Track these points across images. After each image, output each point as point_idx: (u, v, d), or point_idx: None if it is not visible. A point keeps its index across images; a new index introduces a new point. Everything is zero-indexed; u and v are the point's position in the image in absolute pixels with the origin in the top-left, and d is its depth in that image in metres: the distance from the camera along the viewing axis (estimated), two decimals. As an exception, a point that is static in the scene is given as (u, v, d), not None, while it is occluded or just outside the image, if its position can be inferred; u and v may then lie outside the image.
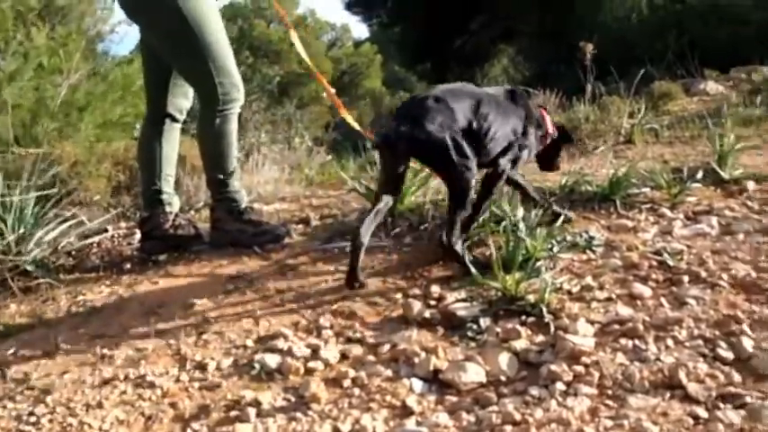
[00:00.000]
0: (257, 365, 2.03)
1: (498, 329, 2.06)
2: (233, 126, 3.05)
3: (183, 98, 3.15)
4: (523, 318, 2.12)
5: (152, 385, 1.99)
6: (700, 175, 3.34)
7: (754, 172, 3.46)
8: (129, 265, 3.11)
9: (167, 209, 3.13)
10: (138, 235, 3.33)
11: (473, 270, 2.39)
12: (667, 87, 6.71)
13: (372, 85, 27.31)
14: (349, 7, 17.25)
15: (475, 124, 2.56)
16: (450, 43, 15.62)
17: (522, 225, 2.59)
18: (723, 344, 1.85)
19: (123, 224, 3.96)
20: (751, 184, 3.23)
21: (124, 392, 1.97)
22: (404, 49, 16.45)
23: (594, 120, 5.44)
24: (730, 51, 9.13)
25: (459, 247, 2.49)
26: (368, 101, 25.83)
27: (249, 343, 2.20)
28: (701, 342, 1.88)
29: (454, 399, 1.79)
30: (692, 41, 9.07)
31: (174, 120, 3.16)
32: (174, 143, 3.17)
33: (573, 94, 6.09)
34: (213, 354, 2.15)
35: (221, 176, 3.08)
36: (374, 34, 18.38)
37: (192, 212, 3.92)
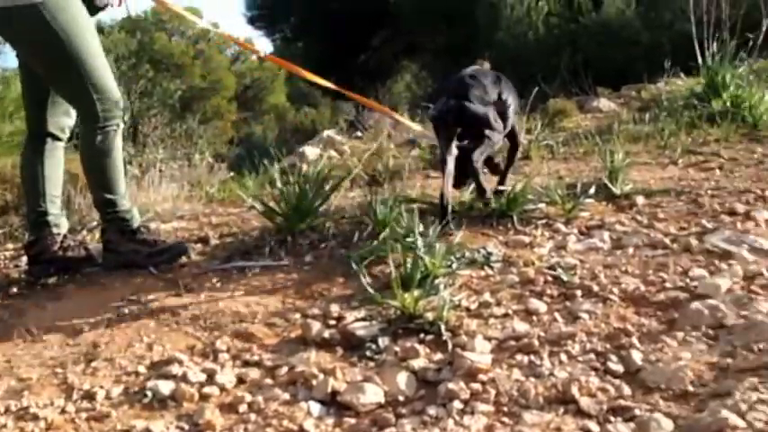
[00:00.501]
0: (149, 393, 1.94)
1: (397, 348, 2.05)
2: (116, 143, 2.93)
3: (64, 116, 3.01)
4: (422, 336, 2.12)
5: (35, 417, 1.87)
6: (593, 190, 3.45)
7: (644, 187, 3.61)
8: (15, 289, 2.97)
9: (54, 231, 2.98)
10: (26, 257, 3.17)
11: (485, 188, 2.87)
12: (562, 104, 6.93)
13: (277, 100, 27.11)
14: (252, 22, 17.05)
15: (501, 97, 3.24)
16: (353, 59, 15.68)
17: (420, 242, 2.60)
18: (614, 357, 1.90)
19: (11, 245, 3.78)
20: (640, 199, 3.36)
21: (4, 426, 1.84)
22: (307, 64, 16.38)
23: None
24: (622, 70, 9.53)
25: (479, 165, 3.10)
26: (272, 116, 25.64)
27: (141, 369, 2.10)
28: (593, 356, 1.92)
29: (352, 421, 1.76)
30: (585, 60, 9.42)
31: (57, 138, 3.02)
32: (57, 163, 3.03)
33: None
34: (102, 382, 2.04)
35: (108, 196, 2.96)
36: (278, 49, 18.22)
37: (85, 233, 3.76)
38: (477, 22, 12.08)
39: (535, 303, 2.27)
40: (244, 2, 16.80)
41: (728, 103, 5.22)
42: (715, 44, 5.83)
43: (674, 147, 4.60)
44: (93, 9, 2.92)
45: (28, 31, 2.76)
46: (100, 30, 22.26)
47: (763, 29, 6.01)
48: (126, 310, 2.56)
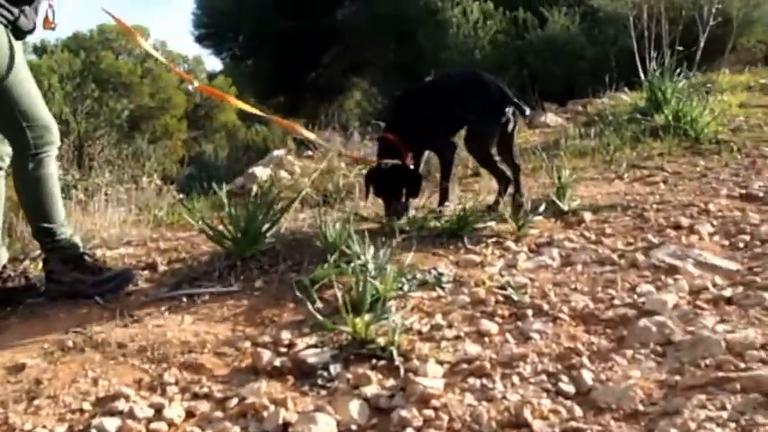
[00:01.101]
0: (94, 431, 1.88)
1: (349, 375, 2.03)
2: (50, 170, 2.86)
3: (2, 144, 2.93)
4: (374, 362, 2.09)
5: (-26, 462, 1.80)
6: (542, 207, 3.48)
7: (591, 203, 3.67)
8: (-46, 322, 2.85)
9: (-8, 262, 2.89)
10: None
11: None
12: (511, 120, 7.00)
13: (227, 119, 26.90)
14: (200, 41, 16.90)
15: None
16: (303, 76, 15.66)
17: (371, 265, 2.59)
18: (565, 378, 1.90)
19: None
20: (587, 215, 3.41)
21: (-60, 474, 1.77)
22: (257, 83, 16.31)
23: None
24: (568, 85, 9.72)
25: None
26: (223, 134, 25.43)
27: (86, 406, 2.03)
28: (544, 377, 1.92)
29: (305, 453, 1.73)
30: (532, 75, 9.57)
31: None
32: None
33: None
34: (45, 421, 1.97)
35: (46, 225, 2.88)
36: (228, 67, 18.10)
37: (28, 262, 3.65)
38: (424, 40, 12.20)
39: (486, 324, 2.27)
40: (191, 20, 16.63)
41: (670, 118, 5.35)
42: (656, 59, 5.98)
43: (619, 161, 4.70)
44: (19, 33, 2.84)
45: None
46: (43, 49, 21.86)
47: (701, 44, 6.20)
48: (70, 343, 2.47)
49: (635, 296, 2.40)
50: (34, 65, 16.04)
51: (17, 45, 2.79)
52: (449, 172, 3.55)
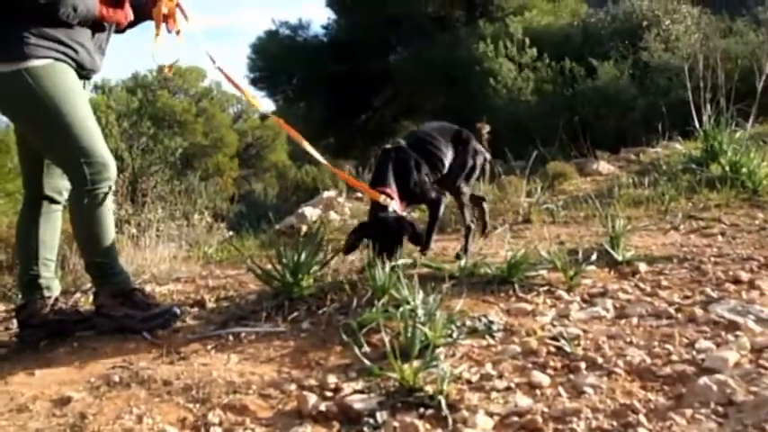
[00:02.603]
0: (137, 469, 1.87)
1: (396, 423, 1.98)
2: (106, 206, 2.90)
3: (60, 178, 2.99)
4: (422, 410, 2.04)
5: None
6: (594, 256, 3.40)
7: (646, 253, 3.57)
8: (4, 352, 2.89)
9: (46, 293, 2.94)
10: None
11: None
12: (562, 167, 6.96)
13: (278, 158, 27.38)
14: (254, 83, 17.31)
15: None
16: (354, 119, 15.87)
17: (420, 311, 2.55)
18: (621, 436, 1.83)
19: (2, 306, 3.73)
20: (643, 266, 3.32)
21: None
22: (309, 124, 16.56)
23: (494, 199, 5.56)
24: (619, 133, 9.64)
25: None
26: (273, 173, 25.83)
27: (130, 443, 2.03)
28: (599, 434, 1.85)
29: (349, 503, 1.68)
30: (583, 123, 9.52)
31: (53, 201, 3.00)
32: (53, 226, 3.00)
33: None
34: (89, 456, 1.97)
35: (99, 260, 2.93)
36: (280, 109, 18.46)
37: (79, 295, 3.71)
38: (470, 85, 12.29)
39: (538, 376, 2.20)
40: (246, 64, 17.06)
41: (727, 169, 5.23)
42: (711, 109, 5.88)
43: (674, 212, 4.59)
44: (84, 72, 2.92)
45: (12, 96, 2.77)
46: (102, 88, 22.58)
47: (758, 95, 6.08)
48: (116, 378, 2.48)
49: (693, 352, 2.30)
50: (93, 102, 16.56)
51: (79, 83, 2.87)
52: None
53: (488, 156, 4.02)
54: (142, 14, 3.08)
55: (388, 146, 3.64)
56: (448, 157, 3.76)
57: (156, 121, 20.37)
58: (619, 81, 10.50)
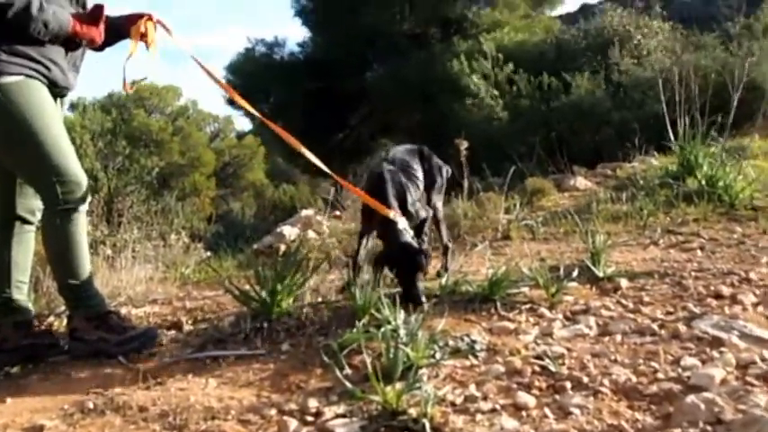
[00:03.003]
0: (112, 501, 1.80)
1: (380, 449, 1.93)
2: (79, 226, 2.84)
3: (33, 198, 2.92)
4: (405, 434, 2.00)
5: None
6: (575, 273, 3.38)
7: (626, 269, 3.56)
8: (-25, 379, 2.80)
9: (19, 318, 2.86)
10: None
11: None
12: (540, 183, 6.95)
13: (255, 177, 27.26)
14: (231, 102, 17.25)
15: None
16: (331, 137, 15.85)
17: (402, 331, 2.50)
18: (609, 457, 1.79)
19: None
20: (624, 282, 3.31)
21: None
22: (286, 142, 16.56)
23: (473, 216, 5.54)
24: (595, 148, 9.68)
25: None
26: (251, 192, 25.71)
27: (104, 474, 1.96)
28: (587, 456, 1.81)
29: None
30: (559, 139, 9.55)
31: (26, 222, 2.93)
32: (26, 247, 2.92)
33: (450, 190, 6.20)
34: (62, 488, 1.90)
35: (72, 281, 2.85)
36: (257, 126, 18.40)
37: (52, 318, 3.62)
38: (443, 103, 12.33)
39: (523, 397, 2.16)
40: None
41: (704, 183, 5.26)
42: (685, 124, 5.92)
43: (653, 227, 4.61)
44: (57, 90, 2.87)
45: None
46: (76, 107, 22.35)
47: (733, 108, 6.13)
48: (91, 405, 2.40)
49: (679, 370, 2.28)
50: (68, 121, 16.40)
51: (52, 101, 2.81)
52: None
53: (448, 167, 4.06)
54: (120, 33, 3.03)
55: (381, 168, 3.58)
56: (420, 176, 3.80)
57: (131, 140, 20.18)
58: (593, 95, 10.58)
